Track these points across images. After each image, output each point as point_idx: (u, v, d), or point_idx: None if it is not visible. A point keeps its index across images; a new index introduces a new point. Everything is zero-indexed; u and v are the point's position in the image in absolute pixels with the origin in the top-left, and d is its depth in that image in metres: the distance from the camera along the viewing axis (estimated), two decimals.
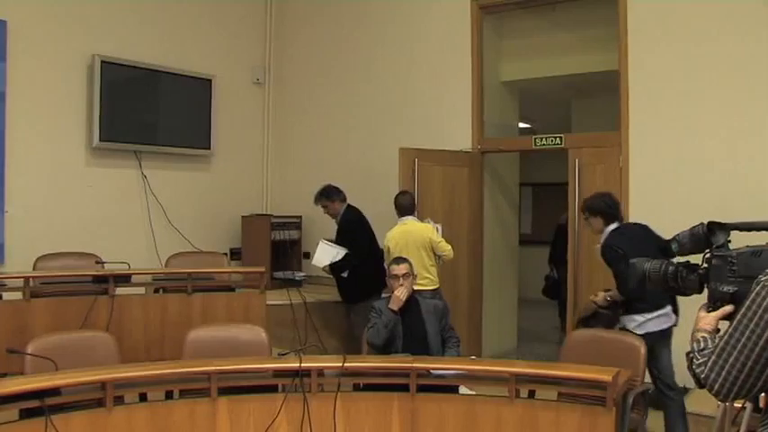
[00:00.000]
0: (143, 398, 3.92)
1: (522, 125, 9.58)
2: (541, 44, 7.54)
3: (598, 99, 8.38)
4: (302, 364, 3.93)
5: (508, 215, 8.20)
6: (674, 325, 4.72)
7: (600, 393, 3.70)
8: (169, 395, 3.97)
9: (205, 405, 3.87)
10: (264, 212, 8.57)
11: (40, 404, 3.40)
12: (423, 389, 4.00)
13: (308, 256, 8.33)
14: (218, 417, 3.88)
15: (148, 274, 6.12)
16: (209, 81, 8.19)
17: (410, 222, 6.33)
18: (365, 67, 8.07)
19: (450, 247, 6.27)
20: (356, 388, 4.17)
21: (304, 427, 3.90)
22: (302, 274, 7.90)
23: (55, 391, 3.50)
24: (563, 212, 7.40)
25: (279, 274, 7.74)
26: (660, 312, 4.65)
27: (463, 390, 4.24)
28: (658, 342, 4.63)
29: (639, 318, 4.65)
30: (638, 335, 4.49)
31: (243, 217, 8.23)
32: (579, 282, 6.48)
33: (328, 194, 6.86)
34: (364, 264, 6.63)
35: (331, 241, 6.79)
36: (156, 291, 5.96)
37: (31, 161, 6.82)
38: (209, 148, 8.19)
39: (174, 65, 7.86)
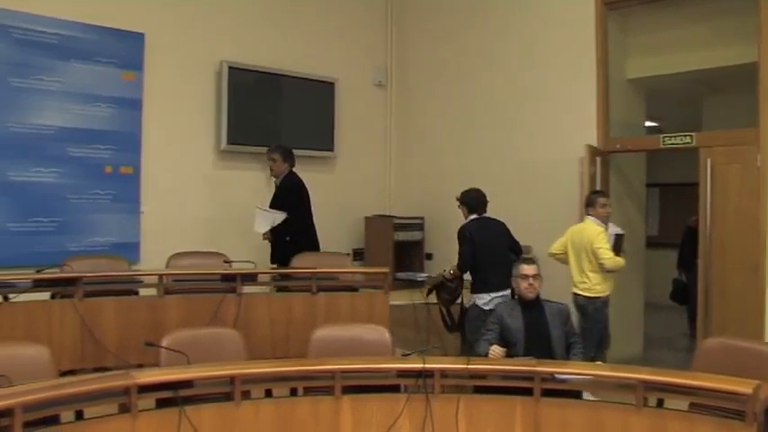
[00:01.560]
0: (268, 394, 4.01)
1: (648, 124, 9.25)
2: (670, 39, 7.25)
3: (732, 95, 7.99)
4: (425, 365, 3.92)
5: (634, 217, 7.94)
6: None
7: (737, 407, 3.49)
8: (293, 392, 4.03)
9: (329, 403, 3.91)
10: (387, 213, 8.64)
11: (174, 395, 3.54)
12: (546, 393, 3.92)
13: (430, 257, 8.36)
14: (342, 415, 3.91)
15: (274, 273, 6.28)
16: (332, 84, 8.33)
17: (587, 222, 6.14)
18: (487, 66, 8.00)
19: (610, 255, 5.90)
20: (478, 390, 4.12)
21: (426, 428, 3.87)
22: (424, 275, 7.90)
23: (188, 384, 3.64)
24: (692, 214, 7.11)
25: (401, 275, 7.77)
26: (504, 293, 5.73)
27: (586, 396, 4.13)
28: None
29: (486, 296, 5.86)
30: (487, 310, 5.54)
31: (366, 218, 8.33)
32: (711, 286, 6.21)
33: (284, 153, 6.86)
34: (306, 229, 6.72)
35: (266, 207, 6.81)
36: (282, 290, 6.11)
37: (165, 164, 7.18)
38: (333, 150, 8.33)
39: (298, 69, 8.05)
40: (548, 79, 7.43)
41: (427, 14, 8.75)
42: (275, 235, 6.64)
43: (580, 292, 6.02)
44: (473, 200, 6.13)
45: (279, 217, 6.60)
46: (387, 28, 9.05)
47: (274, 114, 7.98)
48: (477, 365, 4.07)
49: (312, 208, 6.90)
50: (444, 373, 3.99)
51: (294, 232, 6.63)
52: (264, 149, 7.69)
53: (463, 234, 5.99)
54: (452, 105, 8.37)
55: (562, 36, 7.35)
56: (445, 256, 8.12)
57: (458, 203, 6.19)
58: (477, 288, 5.95)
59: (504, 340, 4.59)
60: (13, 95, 6.40)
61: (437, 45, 8.57)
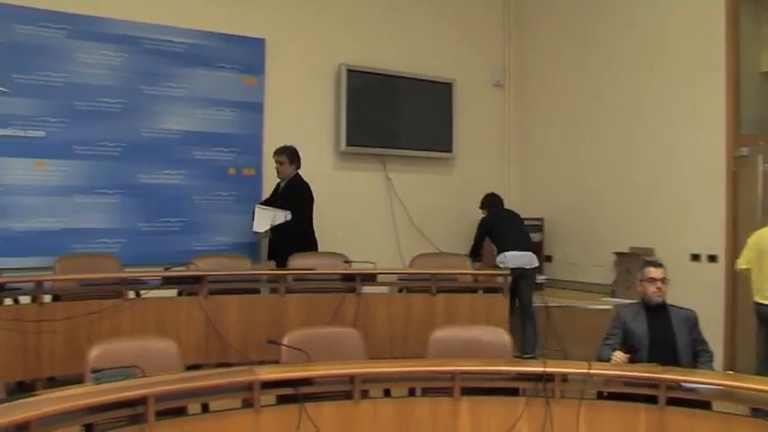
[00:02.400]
0: (387, 393, 4.02)
1: None
2: None
3: None
4: (546, 368, 3.83)
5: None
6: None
7: None
8: (412, 392, 4.01)
9: (447, 404, 3.86)
10: None
11: (295, 392, 3.59)
12: (671, 402, 3.75)
13: (549, 259, 8.20)
14: (460, 417, 3.86)
15: (394, 273, 6.31)
16: (450, 85, 8.30)
17: None
18: (608, 63, 7.75)
19: None
20: (600, 396, 3.99)
21: None
22: (543, 277, 7.75)
23: (308, 381, 3.68)
24: None
25: None
26: (520, 252, 6.93)
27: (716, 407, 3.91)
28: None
29: (503, 256, 6.92)
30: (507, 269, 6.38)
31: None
32: None
33: (291, 155, 6.71)
34: (307, 231, 6.60)
35: (268, 206, 6.68)
36: (401, 290, 6.13)
37: None
38: (451, 151, 8.30)
39: (415, 70, 8.06)
40: (673, 74, 7.12)
41: (546, 13, 8.59)
42: (276, 234, 6.54)
43: (765, 302, 5.50)
44: (489, 201, 7.44)
45: (280, 216, 6.52)
46: (505, 27, 8.94)
47: (392, 116, 8.02)
48: (600, 370, 3.94)
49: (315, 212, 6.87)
50: (565, 378, 3.88)
51: (296, 233, 6.55)
52: (384, 150, 7.80)
53: (480, 223, 7.27)
54: (572, 104, 8.18)
55: (688, 29, 7.02)
56: (566, 258, 7.98)
57: (481, 209, 7.42)
58: (498, 251, 7.05)
59: (627, 345, 4.43)
60: (143, 102, 6.73)
61: (556, 43, 8.39)
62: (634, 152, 7.39)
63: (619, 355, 4.26)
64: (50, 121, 6.36)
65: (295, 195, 6.61)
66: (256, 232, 6.55)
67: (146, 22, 6.72)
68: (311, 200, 6.69)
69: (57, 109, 6.38)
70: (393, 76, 7.95)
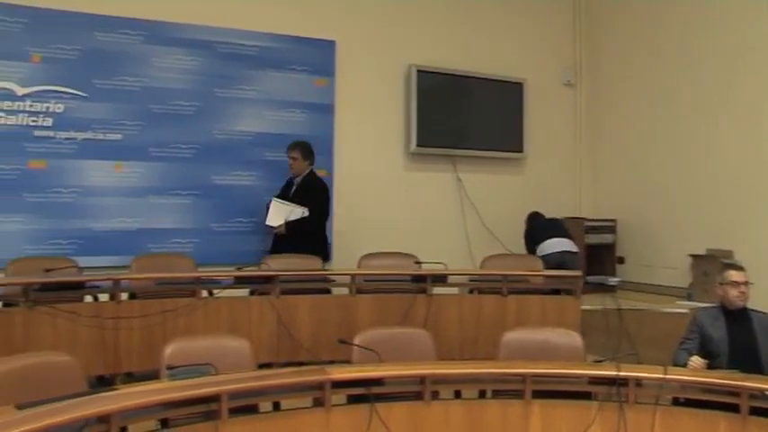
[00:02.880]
0: (457, 395, 4.00)
1: None
2: None
3: None
4: (619, 373, 3.75)
5: None
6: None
7: None
8: (482, 394, 3.99)
9: (518, 407, 3.83)
10: (578, 215, 8.40)
11: (365, 392, 3.60)
12: (754, 412, 3.61)
13: (622, 260, 8.06)
14: (531, 420, 3.82)
15: (464, 274, 6.27)
16: (520, 84, 8.23)
17: None
18: (683, 59, 7.55)
19: None
20: (676, 402, 3.89)
21: None
22: (616, 279, 7.62)
23: (379, 382, 3.69)
24: None
25: (592, 279, 7.52)
26: (556, 240, 7.13)
27: None
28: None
29: (538, 247, 7.15)
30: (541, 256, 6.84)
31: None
32: None
33: (304, 151, 6.61)
34: (323, 228, 6.59)
35: (284, 201, 6.54)
36: (471, 291, 6.08)
37: (356, 167, 7.39)
38: (522, 151, 8.23)
39: (485, 70, 8.02)
40: (752, 73, 6.90)
41: (617, 9, 8.43)
42: (290, 230, 6.44)
43: None
44: (528, 217, 7.62)
45: (296, 212, 6.45)
46: (575, 26, 8.81)
47: (462, 116, 7.99)
48: (677, 376, 3.83)
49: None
50: (639, 382, 3.80)
51: (312, 230, 6.52)
52: (454, 151, 7.78)
53: (524, 236, 7.49)
54: (645, 102, 8.00)
55: None
56: (639, 259, 7.82)
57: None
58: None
59: (705, 351, 4.30)
60: (216, 105, 6.87)
61: (629, 40, 8.22)
62: (711, 151, 7.20)
63: (696, 361, 4.14)
64: (127, 124, 6.55)
65: (313, 192, 6.59)
66: (269, 226, 6.48)
67: (219, 27, 6.86)
68: (329, 198, 6.71)
69: (133, 112, 6.57)
70: (463, 76, 7.93)
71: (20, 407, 2.87)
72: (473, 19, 8.14)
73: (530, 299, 5.87)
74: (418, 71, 7.67)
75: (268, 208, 6.52)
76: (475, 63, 8.01)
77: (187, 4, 6.77)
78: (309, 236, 6.43)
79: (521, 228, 7.56)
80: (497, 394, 3.94)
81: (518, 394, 3.83)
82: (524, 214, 7.74)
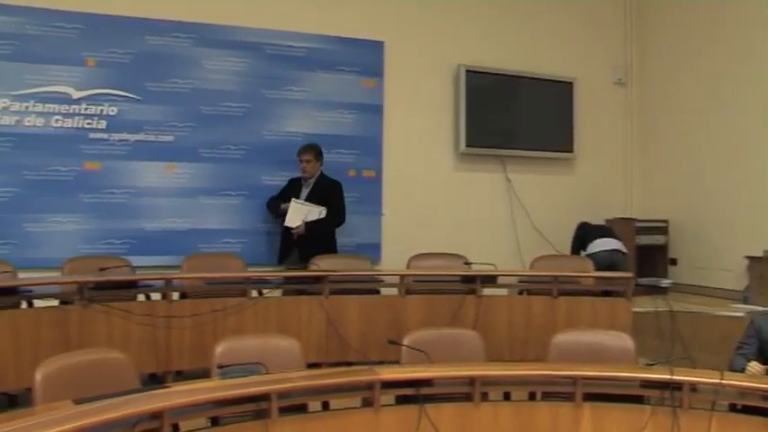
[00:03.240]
0: (506, 396, 3.96)
1: None
2: None
3: None
4: (673, 377, 3.67)
5: None
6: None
7: None
8: (532, 396, 3.94)
9: (569, 409, 3.78)
10: (628, 216, 8.28)
11: (414, 392, 3.59)
12: None
13: (674, 262, 7.93)
14: (582, 423, 3.76)
15: (514, 275, 6.21)
16: (570, 84, 8.15)
17: None
18: (740, 56, 7.37)
19: None
20: (733, 409, 3.78)
21: None
22: (668, 281, 7.49)
23: (428, 382, 3.68)
24: None
25: (643, 281, 7.41)
26: (604, 239, 7.14)
27: None
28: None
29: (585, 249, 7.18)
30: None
31: (606, 220, 8.03)
32: None
33: (318, 153, 6.57)
34: (337, 229, 6.58)
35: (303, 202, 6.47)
36: (521, 292, 6.04)
37: (405, 167, 7.39)
38: (572, 152, 8.14)
39: (535, 69, 7.96)
40: None
41: (670, 5, 8.28)
42: (310, 231, 6.40)
43: None
44: (581, 227, 7.51)
45: (314, 212, 6.42)
46: (626, 24, 8.68)
47: (512, 116, 7.94)
48: (734, 381, 3.72)
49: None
50: (694, 387, 3.71)
51: (329, 231, 6.52)
52: (503, 151, 7.74)
53: (576, 234, 7.47)
54: (698, 101, 7.83)
55: None
56: (692, 261, 7.68)
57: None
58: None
59: (763, 356, 4.19)
60: (266, 106, 6.94)
61: (682, 37, 8.07)
62: (767, 150, 7.03)
63: (755, 366, 4.02)
64: (178, 125, 6.65)
65: (330, 192, 6.59)
66: (288, 227, 6.43)
67: (267, 29, 6.92)
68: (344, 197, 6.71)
69: (184, 114, 6.67)
70: (512, 75, 7.88)
71: (77, 401, 2.94)
72: (522, 18, 8.08)
73: (580, 300, 5.80)
74: (467, 71, 7.64)
75: (277, 210, 6.54)
76: (524, 62, 7.95)
77: (236, 7, 6.84)
78: (324, 236, 6.48)
79: (571, 228, 7.49)
80: (547, 396, 3.89)
81: (568, 397, 3.78)
82: (574, 215, 7.67)
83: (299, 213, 6.40)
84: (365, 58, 7.28)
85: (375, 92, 7.31)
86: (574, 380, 3.76)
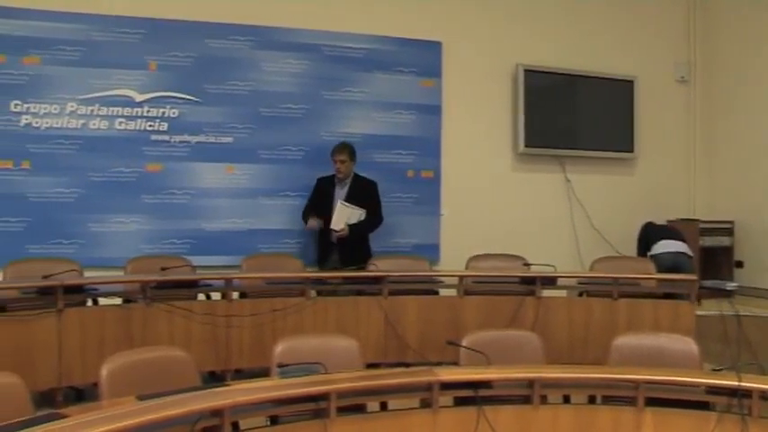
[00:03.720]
0: (566, 399, 3.91)
1: None
2: None
3: None
4: (741, 383, 3.56)
5: None
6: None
7: None
8: (592, 399, 3.88)
9: (630, 414, 3.69)
10: (692, 217, 8.10)
11: (473, 394, 3.56)
12: None
13: (740, 264, 7.73)
14: (644, 428, 3.67)
15: (574, 277, 6.15)
16: (631, 82, 8.02)
17: None
18: None
19: None
20: None
21: None
22: (734, 284, 7.29)
23: (486, 384, 3.65)
24: None
25: (707, 283, 7.23)
26: (668, 240, 7.04)
27: None
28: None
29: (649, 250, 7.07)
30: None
31: (668, 221, 7.87)
32: None
33: (352, 152, 6.47)
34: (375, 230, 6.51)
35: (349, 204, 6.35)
36: (581, 294, 5.97)
37: (463, 168, 7.37)
38: (632, 151, 8.01)
39: (594, 68, 7.85)
40: None
41: (734, 2, 8.07)
42: (353, 233, 6.32)
43: None
44: (646, 227, 7.40)
45: (356, 214, 6.32)
46: (689, 19, 8.48)
47: (571, 116, 7.85)
48: None
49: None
50: (765, 395, 3.59)
51: (369, 232, 6.46)
52: (562, 151, 7.65)
53: (640, 235, 7.39)
54: (766, 98, 7.62)
55: None
56: (760, 264, 7.49)
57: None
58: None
59: None
60: (324, 107, 6.99)
61: (748, 33, 7.85)
62: None
63: None
64: (238, 127, 6.73)
65: (370, 192, 6.54)
66: (333, 230, 6.34)
67: (325, 30, 6.97)
68: None
69: (244, 116, 6.75)
70: (571, 75, 7.78)
71: (140, 398, 3.00)
72: (581, 16, 7.97)
73: (641, 303, 5.70)
74: (525, 71, 7.57)
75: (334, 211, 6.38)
76: (583, 61, 7.85)
77: (294, 9, 6.90)
78: (361, 238, 6.45)
79: (631, 229, 7.37)
80: (608, 400, 3.81)
81: (630, 401, 3.69)
82: (635, 215, 7.55)
83: (344, 216, 6.33)
84: (423, 58, 7.28)
85: (433, 92, 7.30)
86: (636, 384, 3.68)
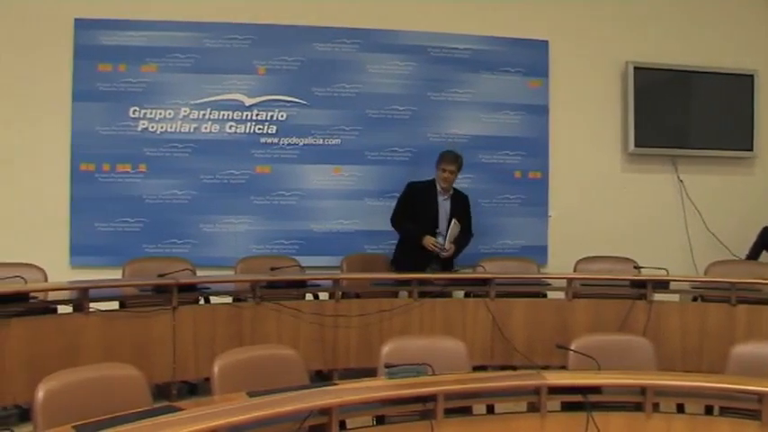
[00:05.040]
0: (680, 409, 3.77)
1: None
2: None
3: None
4: None
5: None
6: None
7: None
8: (708, 410, 3.73)
9: (753, 429, 3.45)
10: None
11: (582, 399, 3.48)
12: None
13: None
14: None
15: (688, 281, 5.95)
16: (750, 77, 7.65)
17: None
18: None
19: None
20: None
21: None
22: None
23: (596, 389, 3.56)
24: None
25: None
26: None
27: None
28: None
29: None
30: None
31: None
32: None
33: (462, 165, 6.15)
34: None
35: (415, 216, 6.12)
36: (695, 299, 5.78)
37: (571, 167, 7.23)
38: (752, 150, 7.65)
39: (709, 63, 7.53)
40: None
41: None
42: (458, 247, 6.05)
43: None
44: (763, 233, 6.89)
45: (455, 229, 5.99)
46: None
47: (684, 113, 7.58)
48: None
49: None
50: None
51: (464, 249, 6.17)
52: (674, 151, 7.41)
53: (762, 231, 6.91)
54: None
55: None
56: None
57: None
58: None
59: None
60: (431, 108, 6.98)
61: None
62: None
63: None
64: (345, 129, 6.82)
65: (465, 207, 6.28)
66: (440, 249, 5.99)
67: (431, 31, 6.97)
68: None
69: (350, 118, 6.83)
70: (684, 70, 7.50)
71: (251, 394, 3.08)
72: (693, 8, 7.65)
73: (762, 309, 5.45)
74: (635, 68, 7.35)
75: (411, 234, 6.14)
76: (697, 56, 7.54)
77: (400, 11, 6.94)
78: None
79: (750, 233, 7.04)
80: (726, 412, 3.65)
81: (753, 415, 3.50)
82: (754, 218, 7.21)
83: (454, 234, 6.01)
84: (530, 57, 7.18)
85: (540, 92, 7.19)
86: (760, 396, 3.49)
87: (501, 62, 7.11)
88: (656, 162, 7.48)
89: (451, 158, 6.13)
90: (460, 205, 6.26)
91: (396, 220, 6.25)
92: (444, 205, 6.18)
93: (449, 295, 5.71)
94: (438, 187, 6.19)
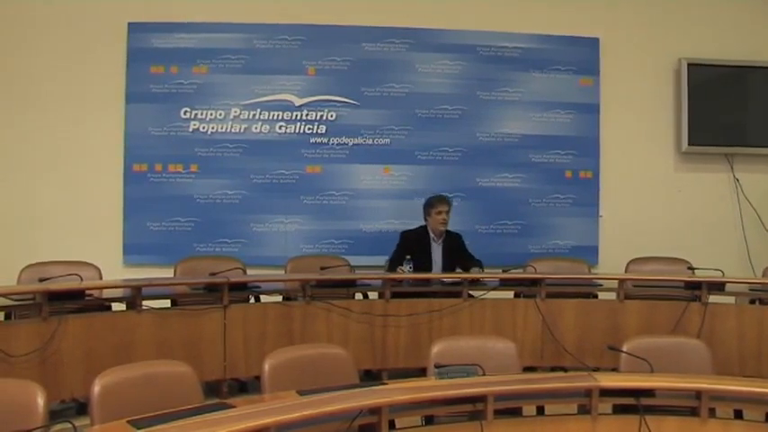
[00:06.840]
0: (737, 414, 3.68)
1: None
2: None
3: None
4: None
5: None
6: None
7: None
8: None
9: None
10: None
11: (634, 402, 3.42)
12: None
13: None
14: None
15: (746, 283, 5.84)
16: None
17: None
18: None
19: None
20: None
21: None
22: None
23: (649, 392, 3.50)
24: None
25: None
26: None
27: None
28: None
29: None
30: None
31: None
32: None
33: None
34: None
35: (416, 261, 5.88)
36: (752, 302, 5.64)
37: (623, 167, 7.13)
38: None
39: (765, 58, 7.34)
40: None
41: None
42: None
43: None
44: None
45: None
46: None
47: (740, 110, 7.40)
48: None
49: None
50: None
51: None
52: (730, 149, 7.26)
53: None
54: None
55: None
56: None
57: None
58: None
59: None
60: (480, 108, 6.95)
61: None
62: None
63: None
64: (395, 129, 6.82)
65: (460, 246, 6.14)
66: None
67: (480, 30, 6.95)
68: None
69: (400, 118, 6.83)
70: (740, 66, 7.33)
71: (301, 392, 3.11)
72: (748, 2, 7.47)
73: None
74: (689, 65, 7.21)
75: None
76: (754, 51, 7.35)
77: (448, 10, 6.92)
78: None
79: None
80: None
81: None
82: None
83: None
84: (580, 56, 7.10)
85: (591, 91, 7.10)
86: None
87: (551, 60, 7.04)
88: (711, 161, 7.34)
89: (443, 200, 6.08)
90: (455, 245, 6.14)
91: (394, 269, 5.91)
92: (437, 250, 6.08)
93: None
94: (431, 234, 6.09)
